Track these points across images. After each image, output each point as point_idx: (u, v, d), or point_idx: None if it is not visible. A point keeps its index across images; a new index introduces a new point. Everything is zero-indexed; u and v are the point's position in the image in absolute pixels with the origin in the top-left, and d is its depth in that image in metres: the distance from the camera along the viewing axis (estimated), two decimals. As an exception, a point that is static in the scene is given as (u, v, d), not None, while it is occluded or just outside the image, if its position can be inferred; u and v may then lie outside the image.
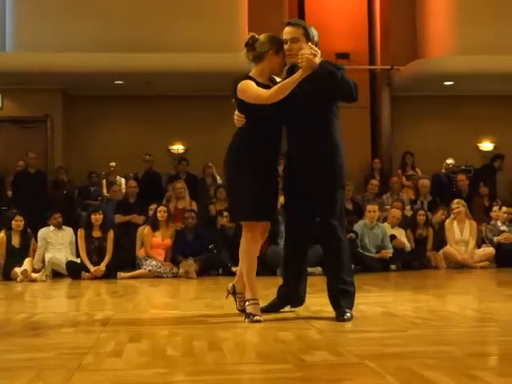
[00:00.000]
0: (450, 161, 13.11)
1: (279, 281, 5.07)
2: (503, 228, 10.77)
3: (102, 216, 9.86)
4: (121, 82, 13.05)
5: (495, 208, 11.04)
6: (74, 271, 9.56)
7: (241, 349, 3.61)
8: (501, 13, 12.90)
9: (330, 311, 4.71)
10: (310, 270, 9.09)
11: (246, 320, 4.55)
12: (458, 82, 13.58)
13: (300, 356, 3.36)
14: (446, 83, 13.66)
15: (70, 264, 9.67)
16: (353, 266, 9.71)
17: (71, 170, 13.00)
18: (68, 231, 10.24)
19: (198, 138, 13.77)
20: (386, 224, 10.60)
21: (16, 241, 9.81)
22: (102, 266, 9.58)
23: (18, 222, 9.81)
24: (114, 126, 13.88)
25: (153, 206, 10.36)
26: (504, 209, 10.86)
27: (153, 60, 12.22)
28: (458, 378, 2.86)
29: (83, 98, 13.63)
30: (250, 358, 3.37)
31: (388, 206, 11.64)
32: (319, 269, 9.01)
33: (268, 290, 5.79)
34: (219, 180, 12.41)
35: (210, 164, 12.53)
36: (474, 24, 12.88)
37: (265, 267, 9.76)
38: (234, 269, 9.60)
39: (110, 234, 9.87)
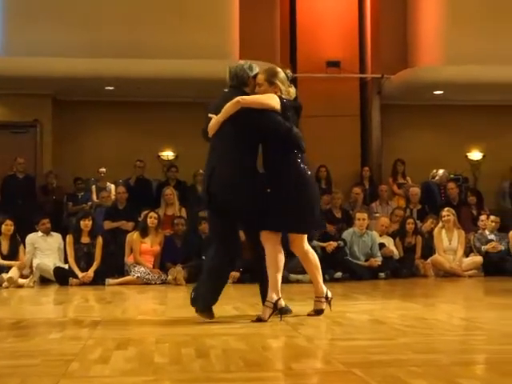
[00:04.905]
0: (440, 170, 13.11)
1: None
2: (491, 237, 10.80)
3: (91, 222, 9.83)
4: (111, 88, 13.02)
5: (483, 217, 11.08)
6: (62, 277, 9.52)
7: (228, 356, 3.60)
8: (491, 23, 12.95)
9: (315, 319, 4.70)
10: (298, 277, 9.16)
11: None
12: (448, 92, 13.63)
13: (289, 364, 3.35)
14: (436, 92, 13.71)
15: (57, 270, 9.63)
16: (341, 273, 9.81)
17: (60, 176, 12.93)
18: (56, 237, 10.20)
19: (187, 145, 13.72)
20: (374, 232, 10.62)
21: (5, 246, 9.74)
22: (90, 272, 9.55)
23: (7, 227, 9.75)
24: (103, 131, 13.84)
25: (145, 212, 10.31)
26: (492, 218, 10.89)
27: (143, 66, 12.20)
28: (445, 386, 2.87)
29: (73, 104, 13.58)
30: (238, 365, 3.35)
31: (377, 214, 11.65)
32: (307, 276, 8.97)
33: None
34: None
35: (201, 171, 12.49)
36: (464, 34, 12.92)
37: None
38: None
39: (99, 240, 9.84)
